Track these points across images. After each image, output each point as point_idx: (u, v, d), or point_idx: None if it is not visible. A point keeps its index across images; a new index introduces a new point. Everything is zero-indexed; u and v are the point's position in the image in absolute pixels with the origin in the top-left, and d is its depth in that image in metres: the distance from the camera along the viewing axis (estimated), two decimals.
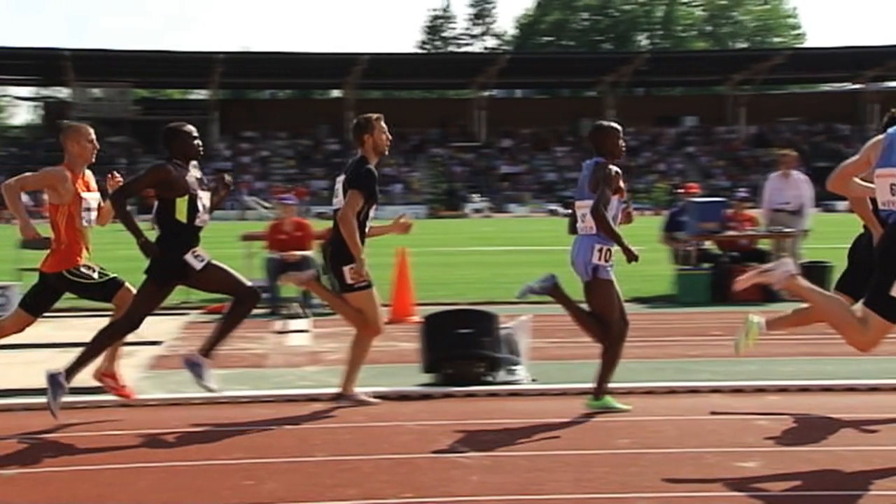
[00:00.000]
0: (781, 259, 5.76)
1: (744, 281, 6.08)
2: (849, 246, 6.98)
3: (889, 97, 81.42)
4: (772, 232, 13.87)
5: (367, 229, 6.92)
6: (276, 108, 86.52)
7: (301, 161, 76.32)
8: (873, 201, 5.92)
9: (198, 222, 6.57)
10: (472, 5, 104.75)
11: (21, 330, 6.92)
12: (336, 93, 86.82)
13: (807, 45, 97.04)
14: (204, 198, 6.63)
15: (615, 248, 6.61)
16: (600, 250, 6.57)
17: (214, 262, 6.62)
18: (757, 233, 14.04)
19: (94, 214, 6.82)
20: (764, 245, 14.12)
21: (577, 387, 7.25)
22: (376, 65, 73.95)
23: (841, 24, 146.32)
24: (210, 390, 6.57)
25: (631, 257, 6.50)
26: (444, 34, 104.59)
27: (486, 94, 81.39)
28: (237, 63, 74.70)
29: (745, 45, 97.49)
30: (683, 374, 7.88)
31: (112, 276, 6.80)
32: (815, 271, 13.56)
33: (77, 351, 6.54)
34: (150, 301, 6.62)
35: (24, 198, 6.87)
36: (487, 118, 79.14)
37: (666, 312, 11.91)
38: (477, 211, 64.24)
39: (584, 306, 6.70)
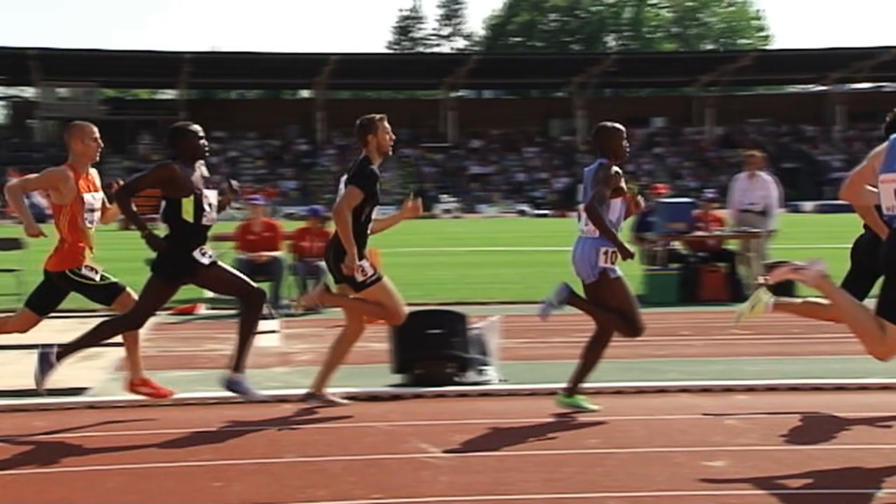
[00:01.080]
0: (814, 258, 5.80)
1: (777, 276, 6.09)
2: (850, 247, 6.97)
3: (854, 99, 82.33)
4: (739, 232, 13.97)
5: (369, 230, 6.92)
6: (245, 108, 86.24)
7: (270, 161, 76.06)
8: (878, 207, 6.00)
9: (205, 221, 6.59)
10: (441, 6, 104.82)
11: (27, 329, 6.89)
12: (305, 93, 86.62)
13: (773, 46, 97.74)
14: (210, 196, 6.63)
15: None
16: (605, 253, 6.54)
17: (223, 266, 6.65)
18: (724, 233, 14.13)
19: (97, 215, 6.79)
20: (731, 245, 14.22)
21: (546, 387, 7.27)
22: (346, 65, 73.83)
23: (807, 27, 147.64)
24: (262, 400, 6.72)
25: (626, 255, 6.50)
26: (413, 35, 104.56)
27: (456, 94, 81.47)
28: (206, 63, 74.35)
29: (712, 47, 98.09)
30: (652, 373, 7.93)
31: (114, 280, 6.79)
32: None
33: (76, 335, 6.57)
34: (155, 299, 6.65)
35: (43, 202, 6.86)
36: (457, 119, 79.21)
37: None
38: (447, 211, 64.28)
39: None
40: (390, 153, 7.07)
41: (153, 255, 6.58)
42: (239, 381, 6.64)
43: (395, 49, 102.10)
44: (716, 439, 5.77)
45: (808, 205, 65.38)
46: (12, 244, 10.36)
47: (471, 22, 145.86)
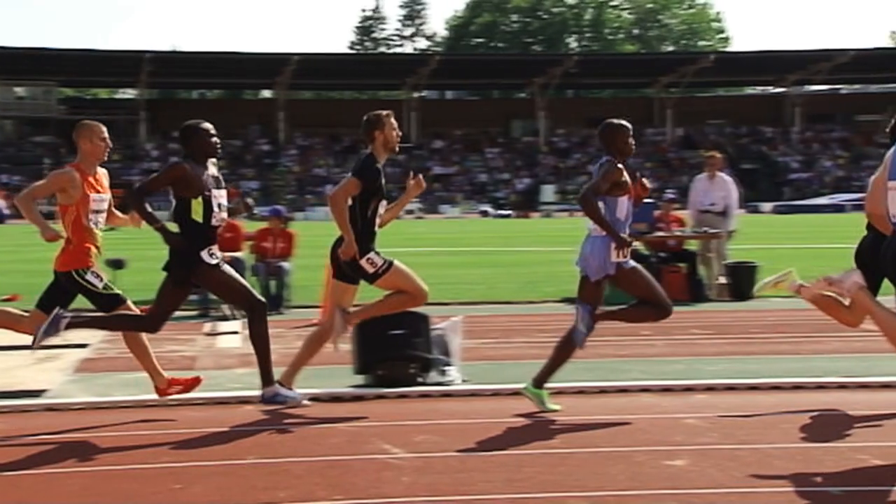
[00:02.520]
0: (850, 270, 5.90)
1: (811, 289, 6.17)
2: (854, 248, 7.00)
3: (811, 100, 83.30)
4: (699, 233, 14.08)
5: (376, 226, 6.95)
6: (206, 108, 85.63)
7: (231, 162, 75.64)
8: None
9: (214, 222, 6.58)
10: (403, 6, 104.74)
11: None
12: (267, 93, 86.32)
13: (732, 48, 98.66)
14: (220, 196, 6.61)
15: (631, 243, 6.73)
16: (617, 248, 6.60)
17: (229, 271, 6.63)
18: (684, 234, 14.24)
19: (102, 216, 6.74)
20: (692, 246, 14.33)
21: (509, 387, 7.29)
22: (307, 65, 73.64)
23: (765, 29, 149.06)
24: (304, 404, 6.69)
25: (621, 244, 6.56)
26: (375, 35, 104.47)
27: (418, 95, 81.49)
28: (166, 62, 73.89)
29: (672, 49, 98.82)
30: (614, 373, 7.97)
31: (116, 291, 6.74)
32: (742, 271, 13.82)
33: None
34: (168, 302, 6.65)
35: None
36: (419, 119, 79.23)
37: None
38: (409, 212, 64.22)
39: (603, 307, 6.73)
40: (397, 150, 7.07)
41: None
42: (275, 393, 6.61)
43: (357, 49, 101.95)
44: (676, 438, 5.81)
45: (767, 205, 66.04)
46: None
47: (433, 22, 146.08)
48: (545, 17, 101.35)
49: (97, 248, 6.70)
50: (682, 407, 6.69)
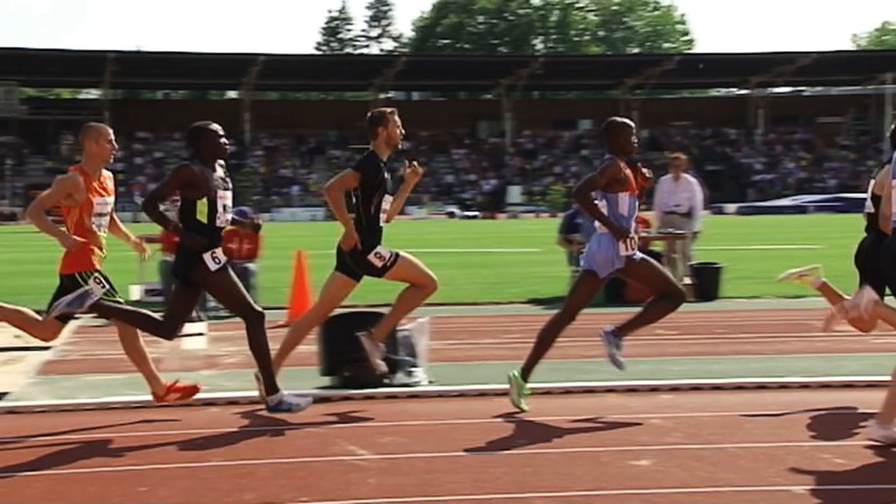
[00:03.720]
0: (861, 289, 5.97)
1: (830, 322, 6.22)
2: (854, 253, 7.05)
3: (774, 102, 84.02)
4: (664, 234, 14.16)
5: (380, 222, 6.97)
6: (171, 108, 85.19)
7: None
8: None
9: (219, 223, 6.55)
10: (369, 7, 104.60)
11: (54, 336, 6.80)
12: (232, 94, 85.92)
13: (696, 50, 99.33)
14: (226, 198, 6.59)
15: (636, 235, 6.86)
16: (624, 242, 6.73)
17: (232, 276, 6.57)
18: (650, 234, 14.30)
19: (106, 219, 6.66)
20: (657, 247, 14.41)
21: (475, 388, 7.31)
22: (273, 66, 73.39)
23: (728, 31, 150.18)
24: (300, 408, 6.57)
25: (620, 235, 6.67)
26: (341, 36, 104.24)
27: (384, 96, 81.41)
28: (130, 62, 73.37)
29: (637, 51, 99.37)
30: (580, 374, 8.00)
31: (117, 299, 6.67)
32: (707, 272, 13.91)
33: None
34: (178, 305, 6.63)
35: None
36: None
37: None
38: None
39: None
40: (399, 147, 7.09)
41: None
42: (280, 401, 6.55)
43: (323, 50, 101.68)
44: (642, 438, 5.84)
45: (731, 206, 66.52)
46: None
47: (399, 23, 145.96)
48: (511, 18, 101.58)
49: (100, 248, 6.65)
50: (648, 407, 6.73)
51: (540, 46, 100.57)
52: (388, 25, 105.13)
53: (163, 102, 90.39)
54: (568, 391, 7.31)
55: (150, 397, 6.96)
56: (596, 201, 6.73)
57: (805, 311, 12.31)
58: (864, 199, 6.96)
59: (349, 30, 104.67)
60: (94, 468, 5.34)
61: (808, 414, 6.48)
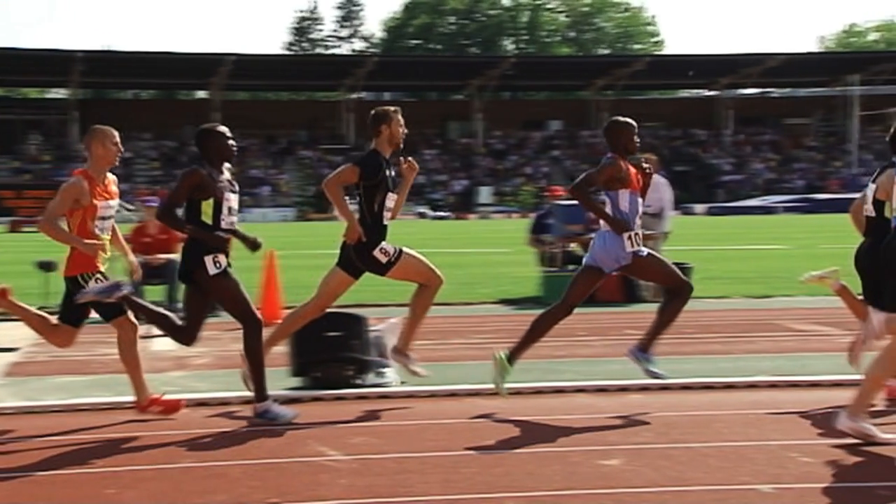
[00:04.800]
0: (869, 318, 6.02)
1: (856, 356, 6.29)
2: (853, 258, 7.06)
3: (742, 104, 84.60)
4: None
5: (384, 220, 7.00)
6: (140, 108, 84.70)
7: (166, 162, 74.83)
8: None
9: (223, 225, 6.51)
10: (339, 7, 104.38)
11: (70, 343, 6.74)
12: (201, 93, 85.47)
13: (665, 52, 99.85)
14: (231, 200, 6.55)
15: (642, 232, 6.94)
16: (630, 238, 6.79)
17: (235, 279, 6.50)
18: None
19: (109, 223, 6.61)
20: None
21: (446, 388, 7.32)
22: (243, 66, 73.09)
23: (697, 33, 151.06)
24: (285, 420, 6.43)
25: (620, 229, 6.72)
26: (311, 36, 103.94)
27: (355, 96, 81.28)
28: (98, 62, 72.81)
29: (607, 52, 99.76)
30: (550, 374, 8.02)
31: (119, 304, 6.59)
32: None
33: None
34: (192, 309, 6.59)
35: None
36: (356, 120, 79.04)
37: (533, 314, 12.05)
38: None
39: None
40: (401, 146, 7.10)
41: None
42: (266, 409, 6.47)
43: (293, 50, 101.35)
44: (611, 438, 5.87)
45: (700, 207, 66.90)
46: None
47: (369, 23, 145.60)
48: (481, 19, 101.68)
49: (104, 250, 6.60)
50: (617, 407, 6.76)
51: (510, 47, 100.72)
52: (358, 25, 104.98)
53: (131, 102, 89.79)
54: (538, 391, 7.33)
55: (118, 398, 6.92)
56: (604, 198, 6.83)
57: (772, 311, 12.42)
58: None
59: (319, 30, 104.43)
60: (63, 470, 5.30)
61: (776, 413, 6.53)
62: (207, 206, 6.44)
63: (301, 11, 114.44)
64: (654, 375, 7.07)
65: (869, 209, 6.72)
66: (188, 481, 5.07)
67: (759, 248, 24.82)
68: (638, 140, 7.00)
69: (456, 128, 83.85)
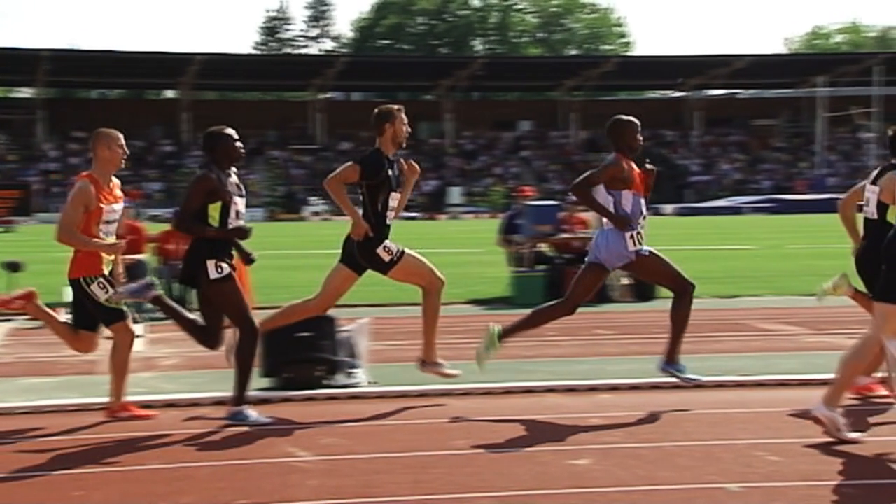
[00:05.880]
0: (887, 349, 6.06)
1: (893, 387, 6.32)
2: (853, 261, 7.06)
3: (710, 105, 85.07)
4: None
5: (387, 219, 7.00)
6: (107, 107, 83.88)
7: (134, 163, 74.16)
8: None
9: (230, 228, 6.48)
10: (308, 7, 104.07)
11: (92, 348, 6.72)
12: (170, 93, 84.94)
13: (634, 53, 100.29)
14: (239, 204, 6.53)
15: (642, 231, 6.95)
16: (631, 237, 6.83)
17: (236, 285, 6.46)
18: (589, 235, 14.40)
19: (114, 227, 6.58)
20: None
21: (416, 389, 7.32)
22: (211, 65, 72.67)
23: (666, 34, 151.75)
24: (256, 425, 6.35)
25: (622, 226, 6.77)
26: (280, 36, 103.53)
27: (324, 96, 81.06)
28: (65, 61, 72.12)
29: (576, 53, 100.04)
30: (520, 374, 8.04)
31: (119, 307, 6.57)
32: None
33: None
34: (208, 311, 6.53)
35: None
36: (325, 121, 78.84)
37: (503, 314, 12.11)
38: (315, 214, 63.89)
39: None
40: (405, 144, 7.10)
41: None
42: (239, 412, 6.42)
43: (262, 50, 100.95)
44: (581, 438, 5.89)
45: (668, 207, 67.18)
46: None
47: (339, 24, 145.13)
48: (451, 19, 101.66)
49: (108, 255, 6.54)
50: (587, 407, 6.78)
51: (480, 48, 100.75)
52: (327, 26, 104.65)
53: (98, 102, 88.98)
54: (508, 391, 7.34)
55: (86, 400, 6.87)
56: (605, 196, 6.84)
57: (740, 311, 12.51)
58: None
59: (288, 30, 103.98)
60: (29, 473, 5.26)
61: (744, 412, 6.58)
62: (215, 210, 6.44)
63: (271, 11, 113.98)
64: (692, 381, 7.06)
65: (870, 212, 6.69)
66: (156, 483, 5.04)
67: (727, 249, 24.99)
68: (641, 138, 7.02)
69: (426, 128, 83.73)
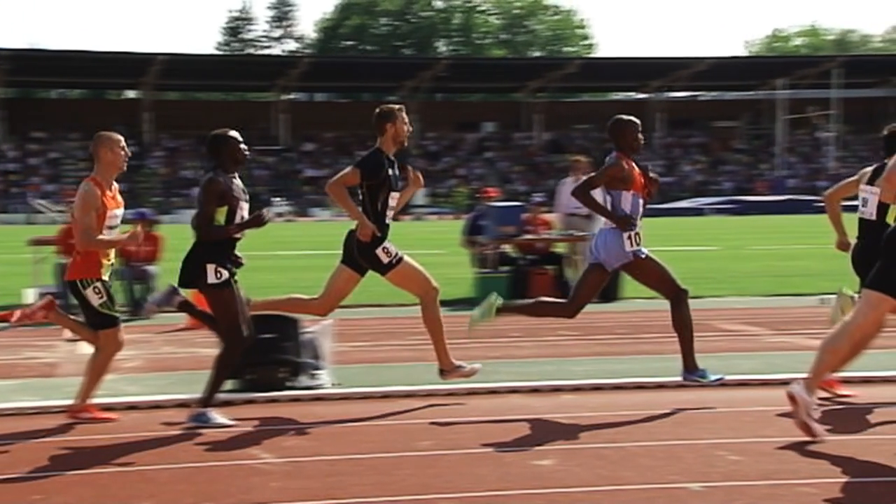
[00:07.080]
0: None
1: None
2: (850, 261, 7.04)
3: (672, 106, 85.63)
4: (566, 235, 14.33)
5: (387, 220, 6.98)
6: (67, 107, 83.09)
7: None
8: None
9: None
10: (272, 8, 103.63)
11: (120, 346, 6.61)
12: (131, 93, 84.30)
13: (597, 55, 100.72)
14: (244, 209, 6.48)
15: (641, 232, 6.96)
16: (630, 237, 6.85)
17: (238, 293, 6.41)
18: (552, 236, 14.47)
19: (115, 231, 6.49)
20: (559, 248, 14.57)
21: (380, 390, 7.30)
22: (174, 65, 72.17)
23: (628, 36, 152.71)
24: (217, 427, 6.29)
25: (624, 226, 6.81)
26: (243, 36, 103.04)
27: (287, 97, 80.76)
28: (24, 60, 71.36)
29: (539, 54, 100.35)
30: (483, 375, 8.02)
31: (112, 314, 6.47)
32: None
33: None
34: (223, 310, 6.46)
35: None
36: (289, 121, 78.54)
37: (466, 315, 12.10)
38: (279, 215, 63.61)
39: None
40: (406, 144, 7.06)
41: None
42: (201, 414, 6.35)
43: (224, 50, 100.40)
44: (545, 438, 5.90)
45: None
46: None
47: (302, 24, 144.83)
48: (414, 20, 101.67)
49: (107, 256, 6.47)
50: (551, 407, 6.80)
51: (443, 49, 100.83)
52: (290, 26, 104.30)
53: (59, 102, 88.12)
54: (472, 392, 7.34)
55: (45, 402, 6.80)
56: (606, 196, 6.88)
57: (702, 312, 12.58)
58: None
59: (251, 30, 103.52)
60: None
61: (706, 412, 6.62)
62: (220, 214, 6.40)
63: (233, 11, 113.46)
64: (719, 381, 7.06)
65: (868, 212, 6.69)
66: (116, 486, 4.99)
67: (689, 250, 25.14)
68: (641, 137, 7.04)
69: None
